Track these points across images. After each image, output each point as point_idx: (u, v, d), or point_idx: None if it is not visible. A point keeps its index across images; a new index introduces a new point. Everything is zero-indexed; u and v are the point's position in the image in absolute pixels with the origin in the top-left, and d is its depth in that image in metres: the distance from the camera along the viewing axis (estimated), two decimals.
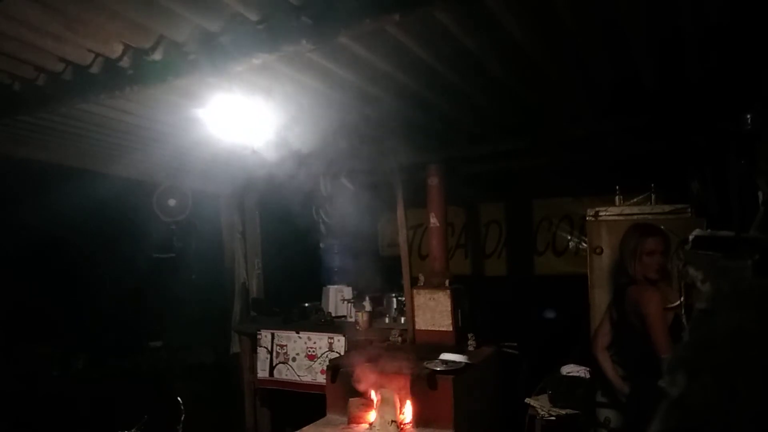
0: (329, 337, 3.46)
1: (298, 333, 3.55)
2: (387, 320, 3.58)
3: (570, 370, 2.78)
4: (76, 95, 2.14)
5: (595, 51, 2.03)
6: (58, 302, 3.30)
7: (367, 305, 3.64)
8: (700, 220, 2.48)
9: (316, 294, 4.02)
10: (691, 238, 1.53)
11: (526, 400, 2.77)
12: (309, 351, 3.50)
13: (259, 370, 3.64)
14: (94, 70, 2.02)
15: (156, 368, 3.53)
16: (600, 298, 2.84)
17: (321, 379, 3.27)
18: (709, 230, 1.53)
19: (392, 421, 2.56)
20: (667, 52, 2.05)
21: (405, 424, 2.59)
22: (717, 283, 1.47)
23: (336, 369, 2.85)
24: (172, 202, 4.02)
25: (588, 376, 2.71)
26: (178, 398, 2.91)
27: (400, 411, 2.61)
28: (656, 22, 1.79)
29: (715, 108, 2.48)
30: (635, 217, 2.78)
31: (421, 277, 3.30)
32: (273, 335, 3.62)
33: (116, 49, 1.91)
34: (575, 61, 2.13)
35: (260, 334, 3.66)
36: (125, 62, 1.96)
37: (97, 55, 1.96)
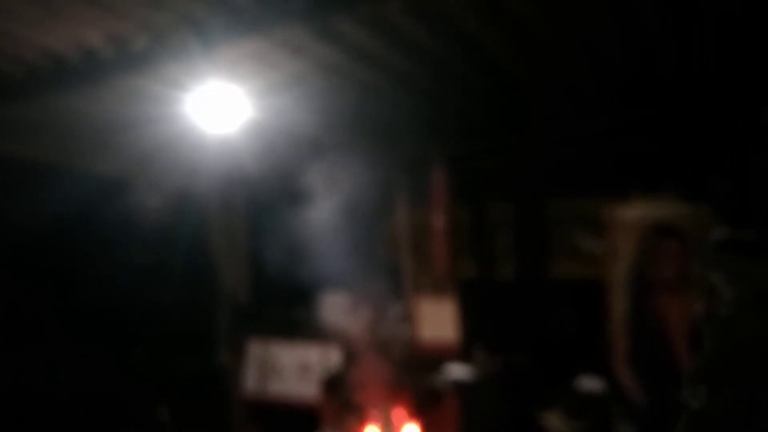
0: (324, 348, 3.47)
1: (290, 343, 3.57)
2: (387, 329, 3.59)
3: (585, 382, 2.79)
4: (55, 86, 2.17)
5: (607, 37, 2.06)
6: (31, 307, 3.32)
7: (365, 313, 3.65)
8: (721, 221, 2.50)
9: (310, 301, 4.04)
10: (711, 240, 1.55)
11: (537, 416, 2.78)
12: (302, 362, 3.51)
13: (248, 382, 3.65)
14: (75, 59, 2.04)
15: (139, 378, 3.54)
16: (617, 303, 2.85)
17: (314, 392, 3.28)
18: (730, 232, 1.55)
19: None
20: (686, 41, 2.07)
21: None
22: (739, 287, 1.49)
23: (331, 382, 2.86)
24: (155, 202, 4.04)
25: (604, 388, 2.72)
26: (163, 411, 2.93)
27: (401, 428, 2.62)
28: (675, 6, 1.81)
29: (735, 103, 2.50)
30: (653, 217, 2.79)
31: (424, 283, 3.32)
32: (263, 345, 3.63)
33: (98, 38, 1.93)
34: (586, 48, 2.15)
35: (249, 343, 3.67)
36: (107, 51, 1.98)
37: (78, 44, 1.99)
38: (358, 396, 2.68)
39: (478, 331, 3.28)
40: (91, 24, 1.86)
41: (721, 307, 1.51)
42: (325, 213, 3.34)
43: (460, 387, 2.57)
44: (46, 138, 3.02)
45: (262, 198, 4.06)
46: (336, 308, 3.91)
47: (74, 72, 2.08)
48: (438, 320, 3.20)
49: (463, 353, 3.13)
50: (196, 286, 4.20)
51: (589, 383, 2.78)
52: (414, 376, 2.71)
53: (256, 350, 3.64)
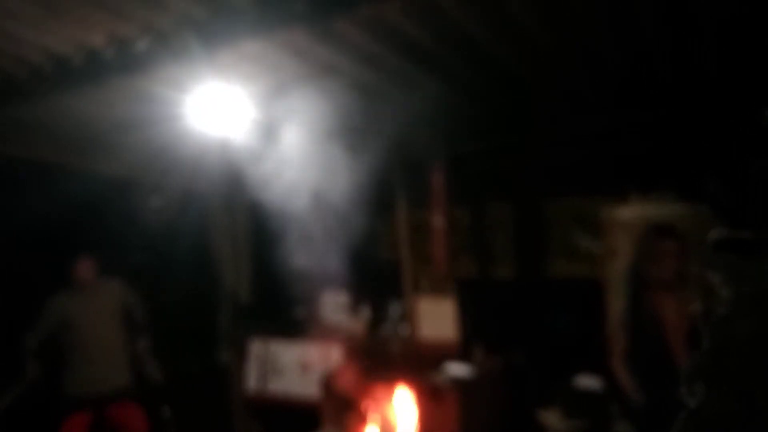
0: (324, 347, 3.47)
1: (291, 342, 3.56)
2: (387, 328, 3.59)
3: (583, 380, 2.78)
4: (58, 87, 2.16)
5: (606, 40, 2.05)
6: (32, 309, 3.31)
7: (366, 312, 3.65)
8: (718, 221, 2.49)
9: (311, 300, 4.03)
10: (709, 239, 1.54)
11: (536, 414, 2.78)
12: (303, 361, 3.51)
13: (249, 381, 3.64)
14: (77, 61, 2.04)
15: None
16: (615, 303, 2.84)
17: (315, 391, 3.28)
18: (727, 231, 1.54)
19: None
20: (684, 42, 2.06)
21: None
22: (736, 286, 1.48)
23: (331, 381, 2.86)
24: (157, 202, 4.04)
25: (602, 386, 2.72)
26: (166, 410, 2.93)
27: (401, 426, 2.62)
28: (671, 8, 1.81)
29: (733, 103, 2.49)
30: (651, 217, 2.79)
31: (424, 282, 3.31)
32: (264, 344, 3.62)
33: (100, 39, 1.93)
34: (584, 48, 2.14)
35: (251, 342, 3.67)
36: (109, 53, 1.97)
37: (81, 45, 1.98)
38: (358, 394, 2.67)
39: (478, 330, 3.27)
40: (93, 25, 1.85)
41: (719, 306, 1.50)
42: (326, 213, 3.33)
43: (459, 385, 2.56)
44: (47, 139, 3.01)
45: (265, 199, 4.05)
46: (336, 307, 3.91)
47: (77, 73, 2.07)
48: (437, 319, 3.20)
49: (462, 351, 3.12)
50: (199, 286, 4.19)
51: (588, 382, 2.78)
52: (414, 374, 2.70)
53: (257, 349, 3.64)
